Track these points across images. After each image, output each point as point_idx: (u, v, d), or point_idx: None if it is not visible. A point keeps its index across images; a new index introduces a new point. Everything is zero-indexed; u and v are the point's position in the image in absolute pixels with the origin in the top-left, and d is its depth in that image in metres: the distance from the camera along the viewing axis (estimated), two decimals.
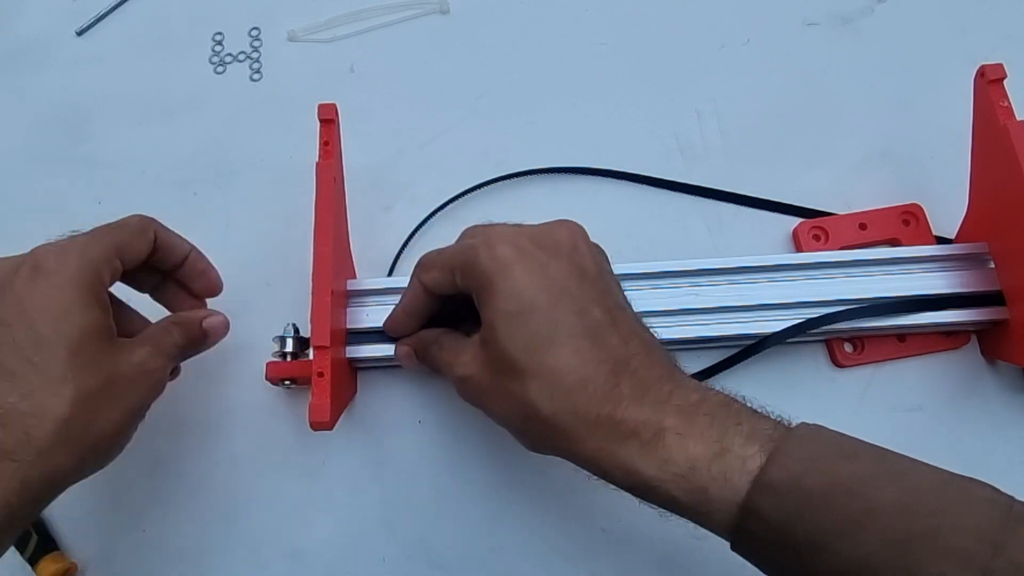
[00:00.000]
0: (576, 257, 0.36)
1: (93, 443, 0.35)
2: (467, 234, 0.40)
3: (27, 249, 0.44)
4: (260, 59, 0.58)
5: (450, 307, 0.41)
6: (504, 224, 0.38)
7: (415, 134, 0.55)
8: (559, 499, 0.46)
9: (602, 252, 0.39)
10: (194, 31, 0.59)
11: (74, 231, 0.39)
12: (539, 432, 0.35)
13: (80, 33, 0.59)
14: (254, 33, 0.59)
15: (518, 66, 0.56)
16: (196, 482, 0.47)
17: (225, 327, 0.44)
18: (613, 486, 0.34)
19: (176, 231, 0.43)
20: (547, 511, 0.45)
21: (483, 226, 0.39)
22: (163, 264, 0.42)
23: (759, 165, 0.52)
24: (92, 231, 0.39)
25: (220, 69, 0.58)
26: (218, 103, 0.57)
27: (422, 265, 0.40)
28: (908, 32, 0.55)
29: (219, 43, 0.58)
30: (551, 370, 0.33)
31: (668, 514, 0.34)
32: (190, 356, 0.42)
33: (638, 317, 0.37)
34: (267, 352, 0.45)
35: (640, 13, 0.57)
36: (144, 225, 0.40)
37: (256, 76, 0.57)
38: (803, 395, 0.47)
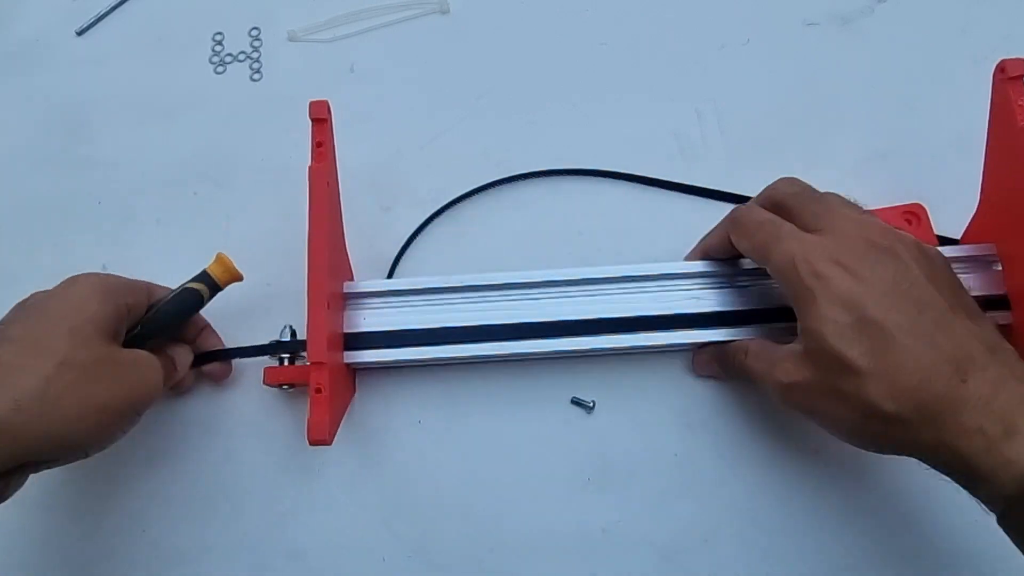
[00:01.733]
0: (905, 258, 0.36)
1: (72, 416, 0.36)
2: (800, 210, 0.39)
3: (27, 249, 0.44)
4: (260, 59, 0.58)
5: None
6: (840, 216, 0.38)
7: (415, 134, 0.55)
8: (559, 499, 0.46)
9: (935, 250, 0.38)
10: (194, 31, 0.59)
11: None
12: (878, 431, 0.35)
13: (80, 33, 0.59)
14: (254, 33, 0.59)
15: (518, 66, 0.56)
16: (196, 482, 0.47)
17: (224, 375, 0.48)
18: (945, 477, 0.35)
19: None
20: (547, 511, 0.45)
21: (816, 218, 0.38)
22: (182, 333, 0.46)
23: (759, 165, 0.52)
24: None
25: (220, 69, 0.58)
26: (218, 103, 0.57)
27: (736, 226, 0.41)
28: (908, 32, 0.55)
29: (219, 43, 0.58)
30: (890, 370, 0.34)
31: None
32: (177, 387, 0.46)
33: (979, 314, 0.37)
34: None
35: (640, 13, 0.57)
36: (125, 291, 0.42)
37: (256, 76, 0.57)
38: None
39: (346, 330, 0.45)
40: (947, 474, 0.34)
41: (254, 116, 0.56)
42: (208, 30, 0.59)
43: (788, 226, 0.39)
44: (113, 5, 0.60)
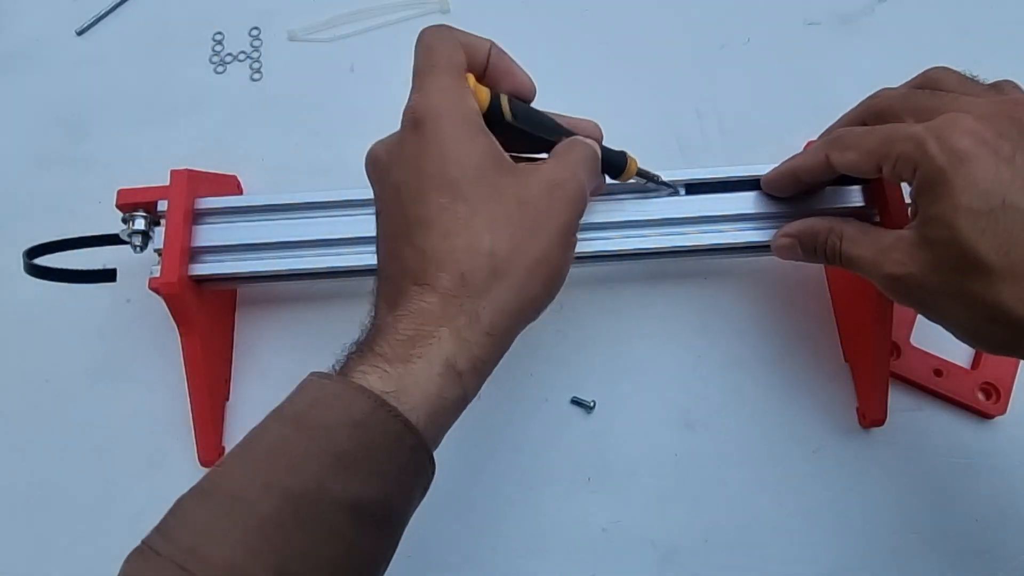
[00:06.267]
0: None
1: (527, 271, 0.32)
2: (911, 104, 0.35)
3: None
4: (260, 59, 0.58)
5: None
6: (962, 98, 0.33)
7: None
8: (559, 499, 0.46)
9: None
10: (194, 31, 0.59)
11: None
12: (1005, 338, 0.32)
13: (80, 33, 0.59)
14: (254, 33, 0.59)
15: None
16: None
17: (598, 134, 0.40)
18: None
19: None
20: (547, 511, 0.45)
21: (932, 97, 0.34)
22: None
23: (760, 165, 0.52)
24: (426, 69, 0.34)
25: (220, 69, 0.58)
26: (218, 103, 0.57)
27: (837, 142, 0.36)
28: (908, 32, 0.55)
29: (219, 43, 0.58)
30: None
31: None
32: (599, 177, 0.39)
33: None
34: None
35: (640, 13, 0.57)
36: (444, 37, 0.35)
37: (256, 76, 0.57)
38: None
39: None
40: None
41: (254, 116, 0.56)
42: (208, 30, 0.59)
43: (906, 123, 0.34)
44: (113, 5, 0.60)
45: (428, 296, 0.31)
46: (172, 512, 0.28)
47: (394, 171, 0.34)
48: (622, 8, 0.57)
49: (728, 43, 0.56)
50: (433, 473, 0.31)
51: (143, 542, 0.27)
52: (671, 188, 0.43)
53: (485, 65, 0.37)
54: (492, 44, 0.37)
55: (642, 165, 0.42)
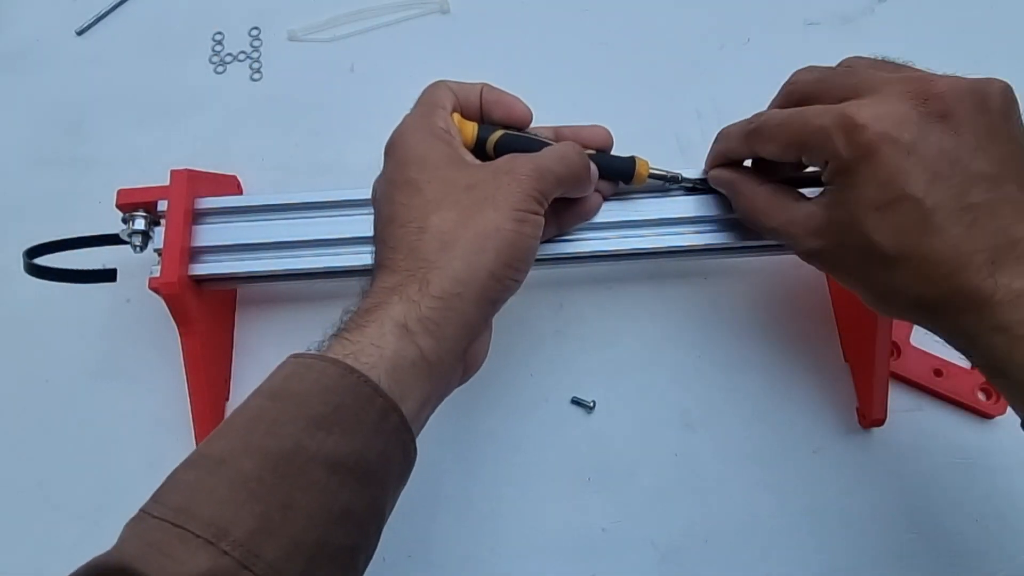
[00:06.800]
0: (962, 121, 0.32)
1: (473, 242, 0.34)
2: (826, 85, 0.35)
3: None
4: (260, 59, 0.58)
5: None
6: (876, 77, 0.34)
7: None
8: (559, 499, 0.46)
9: (997, 88, 0.33)
10: (194, 31, 0.59)
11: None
12: (899, 309, 0.35)
13: (80, 33, 0.59)
14: (254, 33, 0.59)
15: (518, 66, 0.56)
16: None
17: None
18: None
19: None
20: (547, 511, 0.45)
21: (847, 75, 0.35)
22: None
23: None
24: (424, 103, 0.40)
25: (220, 69, 0.58)
26: (218, 103, 0.57)
27: (757, 134, 0.37)
28: (908, 32, 0.55)
29: (219, 43, 0.58)
30: (921, 259, 0.32)
31: None
32: (567, 189, 0.39)
33: None
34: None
35: (640, 13, 0.57)
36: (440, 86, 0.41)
37: (256, 76, 0.57)
38: None
39: None
40: (970, 360, 0.34)
41: (254, 116, 0.56)
42: (208, 30, 0.59)
43: (817, 107, 0.34)
44: (113, 5, 0.60)
45: (387, 277, 0.34)
46: (165, 481, 0.30)
47: (376, 192, 0.38)
48: (622, 8, 0.57)
49: (728, 43, 0.56)
50: (409, 432, 0.32)
51: (140, 509, 0.29)
52: (690, 183, 0.43)
53: (479, 104, 0.41)
54: (484, 85, 0.41)
55: (654, 165, 0.42)
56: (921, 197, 0.31)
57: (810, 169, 0.41)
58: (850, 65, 0.37)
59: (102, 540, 0.45)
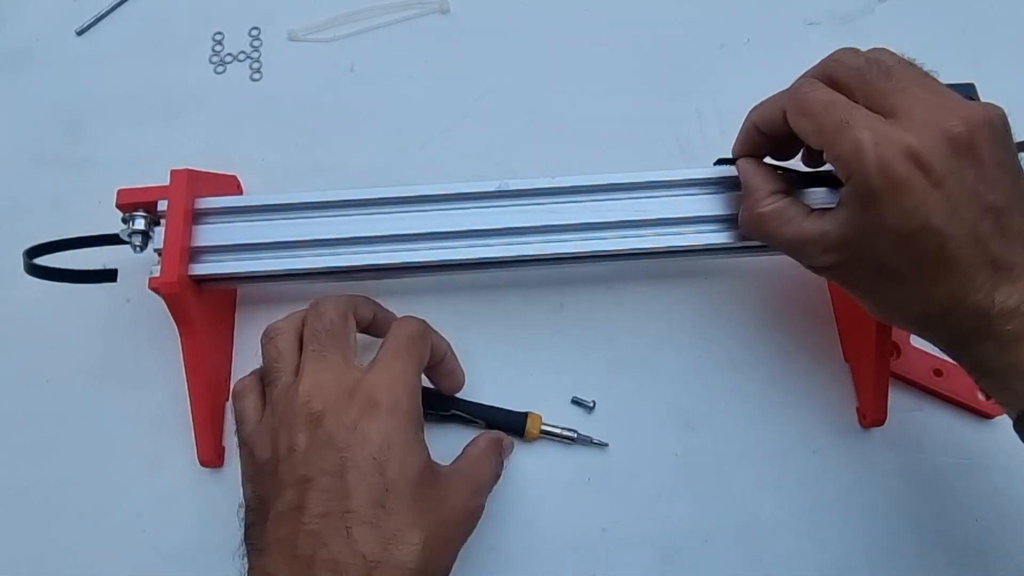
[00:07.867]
0: (984, 154, 0.33)
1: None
2: (864, 84, 0.35)
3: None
4: (260, 59, 0.58)
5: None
6: (911, 97, 0.34)
7: (415, 134, 0.55)
8: (559, 499, 0.46)
9: (1000, 118, 0.34)
10: (194, 31, 0.59)
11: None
12: (900, 320, 0.37)
13: (80, 33, 0.59)
14: (254, 33, 0.59)
15: (518, 66, 0.56)
16: (195, 485, 0.47)
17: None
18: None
19: None
20: (547, 511, 0.45)
21: (885, 80, 0.35)
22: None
23: None
24: (398, 342, 0.39)
25: (220, 69, 0.58)
26: (218, 103, 0.57)
27: (798, 102, 0.37)
28: (908, 32, 0.55)
29: (219, 43, 0.58)
30: (930, 281, 0.34)
31: None
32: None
33: None
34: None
35: (640, 13, 0.57)
36: (426, 336, 0.41)
37: (256, 76, 0.57)
38: None
39: None
40: (958, 362, 0.36)
41: (254, 116, 0.56)
42: (208, 30, 0.59)
43: (859, 111, 0.34)
44: (113, 5, 0.60)
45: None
46: None
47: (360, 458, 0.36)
48: (622, 8, 0.57)
49: (728, 43, 0.56)
50: None
51: None
52: (587, 440, 0.46)
53: (439, 362, 0.43)
54: (448, 347, 0.44)
55: (643, 165, 0.42)
56: (942, 228, 0.33)
57: (826, 167, 0.41)
58: (881, 60, 0.36)
59: (102, 540, 0.45)
